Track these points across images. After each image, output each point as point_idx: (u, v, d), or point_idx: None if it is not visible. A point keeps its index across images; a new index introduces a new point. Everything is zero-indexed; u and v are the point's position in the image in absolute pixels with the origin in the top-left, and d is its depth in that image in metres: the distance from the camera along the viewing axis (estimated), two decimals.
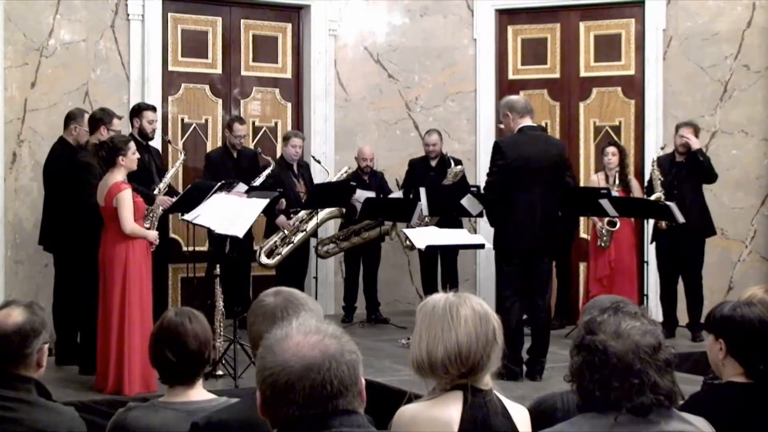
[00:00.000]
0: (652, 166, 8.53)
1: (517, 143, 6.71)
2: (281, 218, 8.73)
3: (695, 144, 8.27)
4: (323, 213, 8.89)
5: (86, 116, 7.33)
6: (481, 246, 8.01)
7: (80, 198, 6.70)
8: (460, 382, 2.76)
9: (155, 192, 7.25)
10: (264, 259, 8.77)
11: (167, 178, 7.59)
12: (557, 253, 8.49)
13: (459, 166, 9.10)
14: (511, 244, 6.74)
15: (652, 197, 8.18)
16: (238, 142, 8.84)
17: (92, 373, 6.54)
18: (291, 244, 8.81)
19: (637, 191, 8.68)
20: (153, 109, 8.09)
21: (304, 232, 8.90)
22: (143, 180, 7.27)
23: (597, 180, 8.86)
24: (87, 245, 6.60)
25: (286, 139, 9.08)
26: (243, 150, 8.94)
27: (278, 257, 8.80)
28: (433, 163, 9.30)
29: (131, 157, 6.43)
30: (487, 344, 2.74)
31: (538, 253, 6.78)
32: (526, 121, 6.76)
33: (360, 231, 9.19)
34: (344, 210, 9.08)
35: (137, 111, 7.96)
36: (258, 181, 8.47)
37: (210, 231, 7.33)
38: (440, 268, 9.23)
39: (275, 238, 8.80)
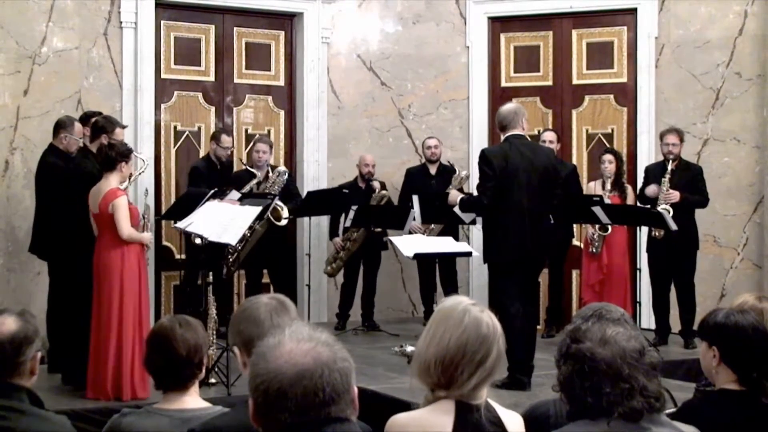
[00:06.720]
0: (659, 177, 8.36)
1: (503, 152, 6.62)
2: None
3: (676, 197, 8.23)
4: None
5: (76, 124, 7.28)
6: (469, 254, 8.02)
7: (81, 208, 6.64)
8: (446, 394, 2.74)
9: None
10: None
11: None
12: (552, 260, 8.51)
13: (465, 171, 9.08)
14: (506, 256, 6.60)
15: (658, 208, 8.07)
16: (226, 153, 8.77)
17: (76, 383, 6.53)
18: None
19: (631, 197, 8.68)
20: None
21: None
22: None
23: (594, 188, 8.83)
24: (82, 252, 6.57)
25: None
26: (226, 162, 8.87)
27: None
28: (433, 170, 9.28)
29: (129, 167, 6.50)
30: (471, 361, 2.69)
31: (528, 263, 6.70)
32: (513, 131, 6.67)
33: (350, 236, 9.12)
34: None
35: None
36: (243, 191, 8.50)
37: (188, 239, 7.30)
38: (438, 276, 9.22)
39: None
